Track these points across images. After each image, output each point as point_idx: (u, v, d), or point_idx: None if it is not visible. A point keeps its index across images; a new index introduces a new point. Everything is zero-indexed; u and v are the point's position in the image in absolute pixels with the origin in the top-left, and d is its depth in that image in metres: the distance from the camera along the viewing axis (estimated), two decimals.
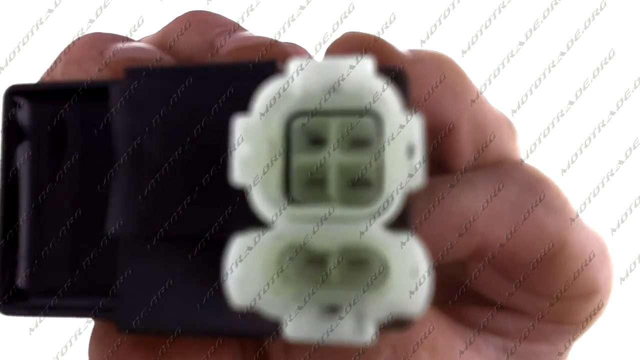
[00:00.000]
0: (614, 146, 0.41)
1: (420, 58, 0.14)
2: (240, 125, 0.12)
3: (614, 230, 0.39)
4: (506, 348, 0.16)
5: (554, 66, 0.41)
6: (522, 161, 0.16)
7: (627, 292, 0.37)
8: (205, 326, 0.13)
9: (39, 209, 0.16)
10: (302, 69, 0.12)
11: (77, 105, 0.15)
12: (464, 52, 0.39)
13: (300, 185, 0.13)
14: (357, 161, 0.13)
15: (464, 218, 0.14)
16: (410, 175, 0.11)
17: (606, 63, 0.40)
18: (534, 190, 0.15)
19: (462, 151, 0.15)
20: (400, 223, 0.12)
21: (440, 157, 0.15)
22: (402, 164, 0.11)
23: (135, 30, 0.37)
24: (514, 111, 0.37)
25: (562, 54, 0.41)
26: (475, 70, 0.17)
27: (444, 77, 0.14)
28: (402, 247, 0.11)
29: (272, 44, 0.15)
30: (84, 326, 0.30)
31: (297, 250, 0.12)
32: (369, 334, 0.11)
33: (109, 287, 0.14)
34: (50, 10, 0.42)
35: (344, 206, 0.12)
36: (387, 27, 0.37)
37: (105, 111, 0.14)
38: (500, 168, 0.15)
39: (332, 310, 0.12)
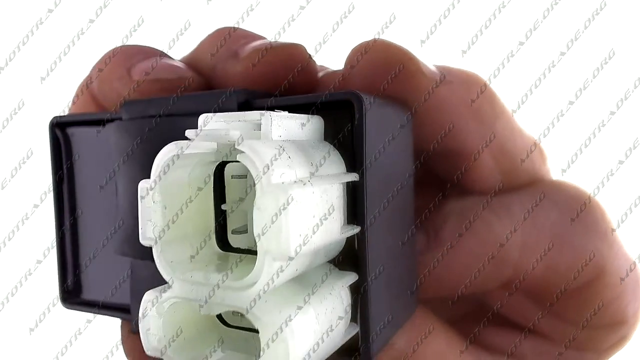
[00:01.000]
0: (614, 146, 0.41)
1: (448, 80, 0.13)
2: (141, 187, 0.12)
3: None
4: None
5: (554, 66, 0.41)
6: (561, 181, 0.15)
7: None
8: None
9: (85, 221, 0.18)
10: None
11: (109, 127, 0.17)
12: (464, 52, 0.39)
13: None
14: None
15: (497, 247, 0.13)
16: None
17: (606, 63, 0.40)
18: (575, 213, 0.14)
19: (485, 178, 0.14)
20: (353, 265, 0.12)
21: (464, 183, 0.14)
22: (271, 235, 0.11)
23: (135, 30, 0.37)
24: (513, 111, 0.37)
25: (562, 54, 0.41)
26: (475, 70, 0.17)
27: (470, 103, 0.13)
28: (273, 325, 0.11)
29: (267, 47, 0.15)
30: (84, 326, 0.30)
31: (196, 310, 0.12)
32: None
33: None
34: (50, 10, 0.42)
35: (235, 275, 0.12)
36: (387, 27, 0.37)
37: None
38: (537, 189, 0.14)
39: None
